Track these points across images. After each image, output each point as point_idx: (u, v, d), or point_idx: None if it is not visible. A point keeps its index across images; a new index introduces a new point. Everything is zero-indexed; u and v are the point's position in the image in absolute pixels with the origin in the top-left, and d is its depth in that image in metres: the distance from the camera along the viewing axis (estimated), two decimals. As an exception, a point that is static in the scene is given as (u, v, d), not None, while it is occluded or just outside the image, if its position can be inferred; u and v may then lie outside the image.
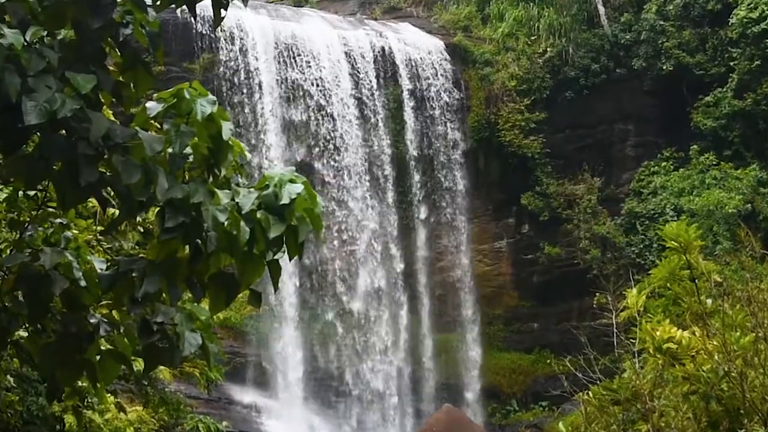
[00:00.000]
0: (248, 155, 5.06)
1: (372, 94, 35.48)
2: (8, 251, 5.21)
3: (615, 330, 9.77)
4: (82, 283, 5.08)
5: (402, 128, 35.87)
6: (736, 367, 7.47)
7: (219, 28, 33.30)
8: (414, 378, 35.24)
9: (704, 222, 31.82)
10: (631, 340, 8.82)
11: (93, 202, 6.09)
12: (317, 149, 34.42)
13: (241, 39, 33.89)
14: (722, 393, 7.60)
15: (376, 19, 39.06)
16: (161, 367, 15.53)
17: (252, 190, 4.79)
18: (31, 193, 5.76)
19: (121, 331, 5.17)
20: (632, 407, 7.98)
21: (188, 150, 4.71)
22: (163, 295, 4.88)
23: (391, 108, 35.75)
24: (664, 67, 36.49)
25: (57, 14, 4.60)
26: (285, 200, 4.69)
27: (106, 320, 5.12)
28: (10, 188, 6.05)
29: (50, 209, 5.71)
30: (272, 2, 38.16)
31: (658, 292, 8.99)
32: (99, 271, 5.13)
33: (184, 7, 5.02)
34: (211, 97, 4.77)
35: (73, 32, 4.69)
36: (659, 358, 8.01)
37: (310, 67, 34.52)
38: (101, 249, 6.61)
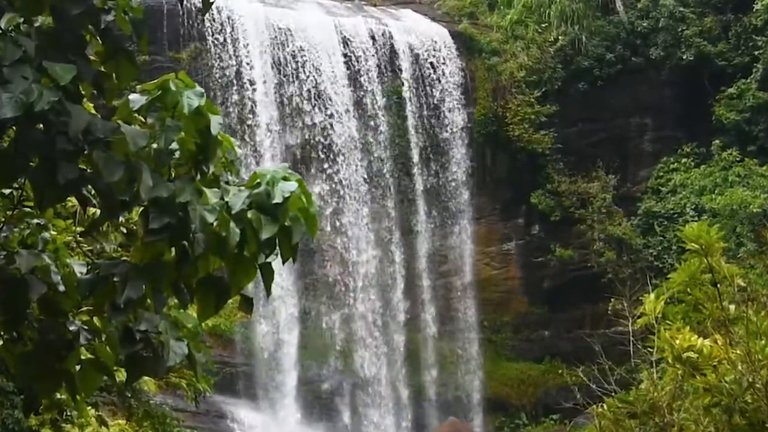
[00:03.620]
0: (239, 151, 5.06)
1: (371, 85, 35.49)
2: (-19, 254, 5.20)
3: (631, 338, 9.78)
4: (61, 288, 5.07)
5: (403, 122, 35.88)
6: (761, 377, 7.48)
7: (207, 14, 33.31)
8: (416, 389, 35.24)
9: (727, 222, 31.84)
10: (649, 349, 8.82)
11: (72, 201, 6.09)
12: (312, 144, 34.42)
13: (232, 26, 33.90)
14: (746, 405, 7.60)
15: (375, 5, 39.06)
16: (145, 378, 15.54)
17: (242, 188, 4.79)
18: (6, 191, 5.76)
19: (103, 339, 5.17)
20: (650, 421, 7.98)
21: (174, 145, 4.71)
22: (148, 301, 4.88)
23: (391, 100, 35.76)
24: (684, 57, 36.50)
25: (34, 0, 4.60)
26: (278, 199, 4.69)
27: (86, 328, 5.12)
28: (-16, 186, 6.04)
29: (26, 209, 5.70)
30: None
31: (677, 297, 8.99)
32: (79, 275, 5.12)
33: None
34: (198, 88, 4.77)
35: (51, 19, 4.69)
36: (678, 368, 8.01)
37: (304, 56, 34.53)
38: (81, 251, 6.61)
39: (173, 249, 4.74)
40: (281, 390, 33.17)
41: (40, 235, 5.58)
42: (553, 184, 36.44)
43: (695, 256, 8.58)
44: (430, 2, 39.99)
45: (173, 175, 4.78)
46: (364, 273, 34.75)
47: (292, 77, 34.40)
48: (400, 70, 36.02)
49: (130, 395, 17.39)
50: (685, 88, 36.79)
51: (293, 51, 34.47)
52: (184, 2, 33.07)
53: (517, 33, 37.83)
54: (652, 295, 8.83)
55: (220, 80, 33.57)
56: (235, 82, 33.74)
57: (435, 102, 36.44)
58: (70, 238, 6.79)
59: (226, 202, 4.73)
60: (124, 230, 7.53)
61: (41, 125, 4.52)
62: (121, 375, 5.64)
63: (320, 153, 34.48)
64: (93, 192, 4.80)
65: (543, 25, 37.85)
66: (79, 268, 5.20)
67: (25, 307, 4.98)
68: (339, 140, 34.61)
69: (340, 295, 34.51)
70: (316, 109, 34.45)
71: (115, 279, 4.79)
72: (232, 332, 31.94)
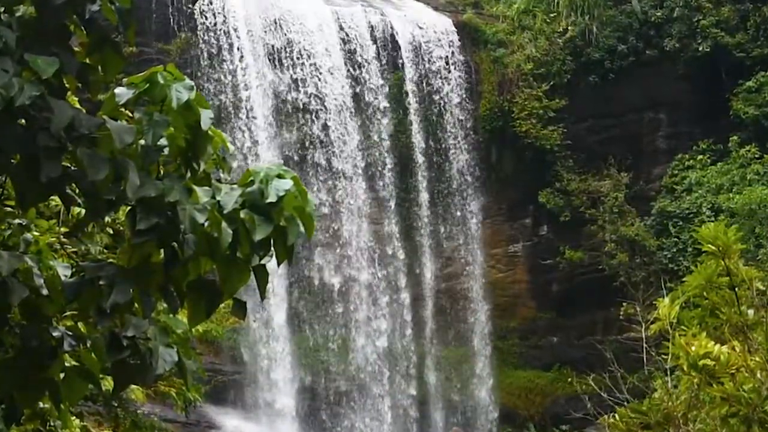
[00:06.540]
0: (231, 147, 5.06)
1: (370, 79, 35.49)
2: (-40, 256, 5.20)
3: (644, 344, 9.78)
4: (44, 291, 5.07)
5: (404, 117, 35.88)
6: (781, 386, 7.48)
7: (198, 3, 33.32)
8: (419, 399, 35.25)
9: (745, 223, 31.82)
10: (663, 356, 8.82)
11: (56, 200, 6.09)
12: (309, 141, 34.43)
13: (224, 17, 33.90)
14: (765, 416, 7.61)
15: (375, -6, 39.07)
16: (133, 387, 15.53)
17: (235, 186, 4.78)
18: (-14, 190, 5.76)
19: (88, 345, 5.17)
20: (664, 432, 7.98)
21: (163, 141, 4.71)
22: (135, 305, 4.87)
23: (391, 95, 35.76)
24: (700, 48, 36.48)
25: (15, -12, 4.60)
26: (272, 198, 4.68)
27: (70, 333, 5.11)
28: (-37, 185, 6.04)
29: (8, 208, 5.70)
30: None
31: (693, 301, 8.98)
32: (63, 278, 5.12)
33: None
34: (188, 81, 4.77)
35: (33, 8, 4.69)
36: (694, 376, 8.01)
37: (300, 47, 34.52)
38: (65, 253, 6.61)
39: (162, 251, 4.74)
40: (276, 399, 33.16)
41: (21, 236, 5.58)
42: (562, 182, 36.42)
43: (712, 258, 8.58)
44: (432, -9, 39.98)
45: (162, 172, 4.78)
46: (364, 276, 34.75)
47: (288, 70, 34.41)
48: (401, 62, 36.02)
49: (116, 404, 17.40)
50: (701, 82, 36.76)
51: (289, 42, 34.47)
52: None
53: (524, 23, 37.81)
54: (667, 300, 8.83)
55: (210, 73, 33.56)
56: (227, 75, 33.73)
57: (438, 96, 36.43)
58: (54, 239, 6.79)
59: (218, 201, 4.73)
60: (111, 231, 7.54)
61: (23, 121, 4.52)
62: (108, 383, 5.65)
63: (317, 150, 34.49)
64: (77, 191, 4.80)
65: (552, 15, 37.83)
66: (63, 271, 5.20)
67: (6, 311, 4.98)
68: (337, 136, 34.61)
69: (338, 298, 34.50)
70: (313, 104, 34.46)
71: (101, 282, 4.79)
72: (224, 338, 31.95)
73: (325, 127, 34.54)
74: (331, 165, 34.62)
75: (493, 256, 37.00)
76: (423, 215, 36.13)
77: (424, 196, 36.15)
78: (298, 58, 34.55)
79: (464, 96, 36.67)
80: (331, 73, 34.84)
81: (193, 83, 4.78)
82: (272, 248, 4.79)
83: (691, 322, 8.69)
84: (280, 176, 4.75)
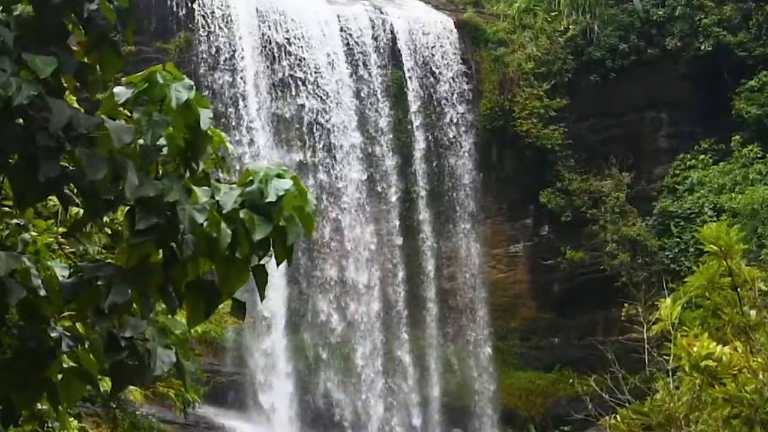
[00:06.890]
0: (230, 147, 5.06)
1: (371, 78, 35.47)
2: (-42, 256, 5.19)
3: (646, 345, 9.79)
4: (42, 292, 5.06)
5: (404, 116, 35.86)
6: (784, 387, 7.48)
7: (197, 2, 33.32)
8: (419, 400, 35.23)
9: (748, 223, 31.81)
10: (665, 357, 8.82)
11: (54, 200, 6.08)
12: (308, 140, 34.41)
13: (223, 15, 33.88)
14: (767, 417, 7.61)
15: (375, -7, 39.04)
16: (131, 388, 15.53)
17: (234, 186, 4.78)
18: (-16, 190, 5.75)
19: (86, 346, 5.16)
20: (666, 433, 7.98)
21: (162, 141, 4.71)
22: (134, 306, 4.87)
23: (392, 93, 35.74)
24: (702, 47, 36.47)
25: (13, -13, 4.60)
26: (272, 198, 4.68)
27: (68, 334, 5.11)
28: (-40, 185, 6.04)
29: (5, 208, 5.70)
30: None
31: (695, 302, 8.99)
32: (61, 278, 5.11)
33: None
34: (187, 81, 4.76)
35: (31, 7, 4.69)
36: (696, 377, 8.01)
37: (300, 47, 34.51)
38: (63, 253, 6.61)
39: (161, 251, 4.74)
40: (275, 400, 33.15)
41: (19, 236, 5.57)
42: (564, 182, 36.40)
43: (714, 258, 8.58)
44: (433, -11, 39.96)
45: (161, 172, 4.78)
46: (364, 276, 34.73)
47: (288, 69, 34.38)
48: (402, 61, 36.00)
49: (114, 406, 17.38)
50: (703, 81, 36.75)
51: (289, 42, 34.44)
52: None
53: (525, 22, 37.80)
54: (669, 300, 8.83)
55: (210, 72, 33.54)
56: (226, 74, 33.71)
57: (438, 95, 36.41)
58: (52, 239, 6.79)
59: (217, 201, 4.73)
60: (109, 231, 7.53)
61: (21, 120, 4.52)
62: (106, 384, 5.64)
63: (316, 149, 34.46)
64: (76, 191, 4.80)
65: (553, 14, 37.81)
66: (61, 271, 5.19)
67: (4, 312, 4.97)
68: (336, 135, 34.60)
69: (337, 299, 34.48)
70: (313, 104, 34.43)
71: (99, 283, 4.78)
72: (224, 339, 31.93)
73: (323, 126, 34.49)
74: (330, 164, 34.59)
75: (494, 256, 36.98)
76: (423, 215, 36.09)
77: (423, 196, 36.11)
78: (297, 56, 34.46)
79: (465, 95, 36.64)
80: (331, 72, 34.77)
81: (192, 83, 4.78)
82: (272, 248, 4.79)
83: (693, 323, 8.69)
84: (279, 176, 4.75)
